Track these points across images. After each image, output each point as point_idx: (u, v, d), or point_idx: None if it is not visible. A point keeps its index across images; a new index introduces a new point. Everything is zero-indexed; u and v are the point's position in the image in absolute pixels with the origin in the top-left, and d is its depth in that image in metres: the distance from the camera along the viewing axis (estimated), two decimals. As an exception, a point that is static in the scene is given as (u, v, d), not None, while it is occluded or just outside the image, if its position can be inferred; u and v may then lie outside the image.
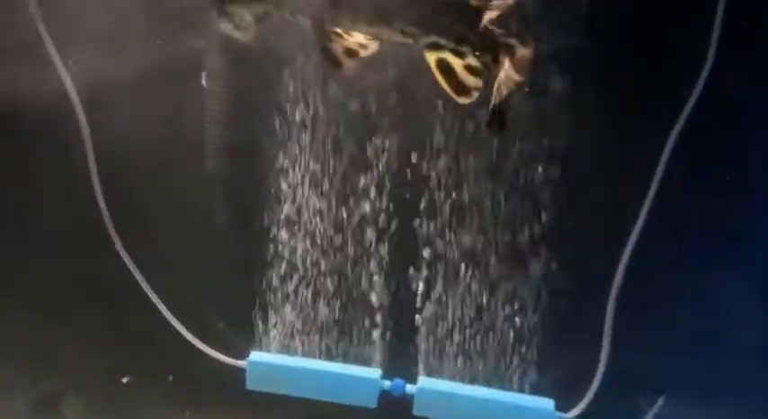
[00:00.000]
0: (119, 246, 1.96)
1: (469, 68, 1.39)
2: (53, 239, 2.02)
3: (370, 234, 1.97)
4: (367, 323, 2.04)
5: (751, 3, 1.68)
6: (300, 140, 1.92)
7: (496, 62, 1.38)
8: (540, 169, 1.81)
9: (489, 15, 1.35)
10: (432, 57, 1.40)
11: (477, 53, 1.38)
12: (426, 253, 1.96)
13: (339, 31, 1.41)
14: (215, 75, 1.92)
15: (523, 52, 1.37)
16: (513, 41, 1.37)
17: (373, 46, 1.44)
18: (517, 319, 1.96)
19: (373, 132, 1.87)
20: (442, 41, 1.37)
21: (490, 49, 1.38)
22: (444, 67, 1.40)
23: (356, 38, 1.43)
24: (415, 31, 1.37)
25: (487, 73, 1.39)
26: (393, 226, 1.95)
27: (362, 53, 1.43)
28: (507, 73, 1.38)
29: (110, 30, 1.86)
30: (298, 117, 1.90)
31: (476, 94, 1.42)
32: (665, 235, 1.82)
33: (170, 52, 1.89)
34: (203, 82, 1.92)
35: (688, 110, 1.73)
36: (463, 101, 1.41)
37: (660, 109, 1.76)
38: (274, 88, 1.89)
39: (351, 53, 1.42)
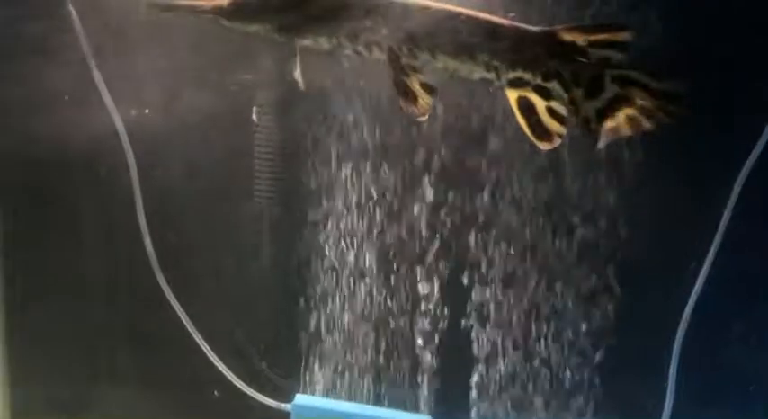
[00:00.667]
0: (164, 287, 1.93)
1: (552, 112, 1.27)
2: (100, 280, 2.01)
3: (420, 280, 1.92)
4: (416, 367, 1.98)
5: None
6: (352, 182, 1.90)
7: (592, 98, 1.25)
8: (604, 216, 1.77)
9: (601, 54, 1.23)
10: (513, 96, 1.30)
11: (567, 90, 1.25)
12: (478, 298, 1.90)
13: (416, 65, 1.29)
14: (266, 111, 1.91)
15: (657, 86, 1.22)
16: (644, 78, 1.23)
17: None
18: (575, 367, 1.89)
19: (427, 177, 1.84)
20: (527, 77, 1.27)
21: (585, 85, 1.25)
22: (526, 107, 1.29)
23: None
24: (499, 65, 1.27)
25: (574, 112, 1.26)
26: (444, 271, 1.90)
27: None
28: (631, 115, 1.24)
29: (160, 71, 1.86)
30: (350, 159, 1.88)
31: (558, 141, 1.29)
32: (730, 281, 1.75)
33: (221, 91, 1.88)
34: (254, 117, 1.91)
35: (755, 156, 1.67)
36: (544, 146, 1.29)
37: (727, 156, 1.70)
38: (327, 127, 1.87)
39: (428, 89, 1.31)
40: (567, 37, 1.23)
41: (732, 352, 1.81)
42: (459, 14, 1.26)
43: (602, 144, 1.27)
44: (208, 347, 1.97)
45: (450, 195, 1.85)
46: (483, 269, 1.87)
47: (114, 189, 1.94)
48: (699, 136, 1.65)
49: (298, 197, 1.93)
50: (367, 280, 1.96)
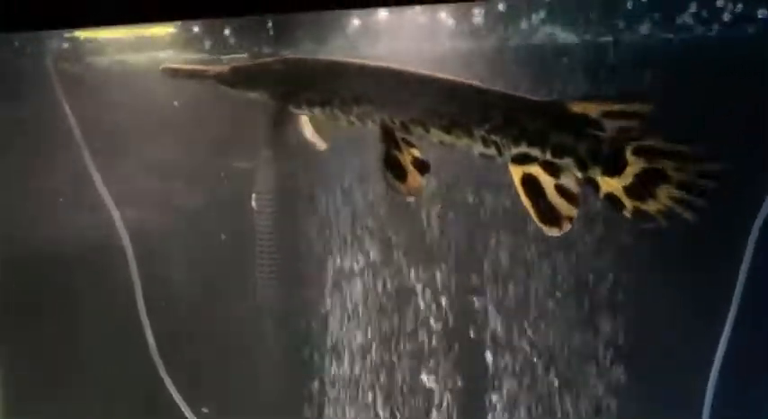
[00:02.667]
0: (165, 377, 1.88)
1: (562, 190, 1.12)
2: (101, 374, 1.95)
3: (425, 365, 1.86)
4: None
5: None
6: (356, 264, 1.86)
7: (614, 175, 1.09)
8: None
9: (620, 123, 1.08)
10: (517, 173, 1.14)
11: (583, 167, 1.10)
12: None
13: (411, 139, 1.19)
14: (264, 198, 1.90)
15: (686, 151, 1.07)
16: (670, 146, 1.07)
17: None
18: None
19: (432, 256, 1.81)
20: (534, 153, 1.12)
21: (604, 161, 1.09)
22: (532, 186, 1.13)
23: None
24: (498, 140, 1.13)
25: (595, 191, 1.10)
26: (454, 344, 1.84)
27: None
28: (671, 193, 1.07)
29: (156, 165, 1.87)
30: (350, 242, 1.86)
31: (567, 226, 1.12)
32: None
33: (218, 179, 1.88)
34: (253, 204, 1.89)
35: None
36: (552, 232, 1.13)
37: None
38: (327, 212, 1.85)
39: (420, 166, 1.20)
40: (578, 108, 1.10)
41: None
42: (451, 85, 1.17)
43: (649, 224, 1.10)
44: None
45: (457, 279, 1.81)
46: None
47: (114, 284, 1.91)
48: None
49: (298, 282, 1.89)
50: (371, 361, 1.89)
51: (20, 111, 1.89)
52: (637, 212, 1.09)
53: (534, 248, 1.75)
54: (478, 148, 1.16)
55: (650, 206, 1.08)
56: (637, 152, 1.08)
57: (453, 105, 1.16)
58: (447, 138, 1.16)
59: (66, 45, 1.80)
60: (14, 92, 1.86)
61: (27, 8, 1.39)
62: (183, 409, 1.89)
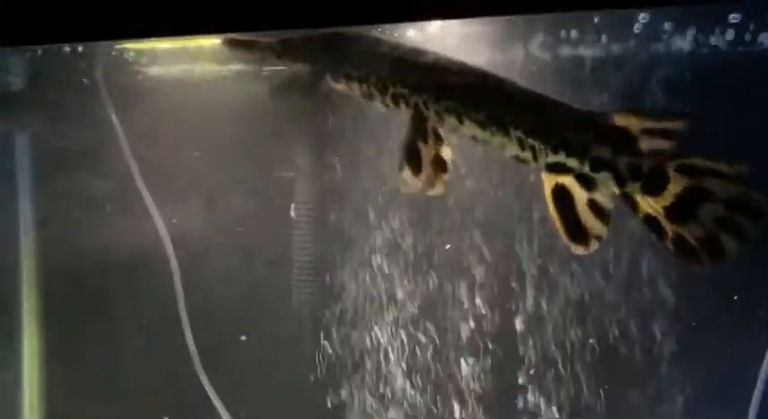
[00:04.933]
0: (207, 386, 1.89)
1: (594, 206, 1.05)
2: (142, 379, 1.97)
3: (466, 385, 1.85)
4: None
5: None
6: (391, 279, 1.87)
7: (654, 193, 1.02)
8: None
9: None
10: (549, 183, 1.07)
11: (621, 183, 1.03)
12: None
13: (441, 134, 1.14)
14: (304, 207, 1.91)
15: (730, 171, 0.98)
16: (712, 164, 0.98)
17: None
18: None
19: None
20: (572, 164, 1.05)
21: (645, 179, 1.02)
22: (562, 198, 1.06)
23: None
24: (536, 145, 1.07)
25: (632, 209, 1.03)
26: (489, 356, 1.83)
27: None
28: (720, 214, 0.98)
29: (201, 174, 1.90)
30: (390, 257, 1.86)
31: (595, 246, 1.05)
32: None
33: (259, 190, 1.90)
34: (292, 214, 1.91)
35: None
36: (578, 250, 1.05)
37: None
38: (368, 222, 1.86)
39: (440, 165, 1.15)
40: (621, 122, 1.03)
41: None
42: (495, 80, 1.11)
43: (695, 263, 1.00)
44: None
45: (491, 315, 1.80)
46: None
47: (158, 295, 1.94)
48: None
49: (335, 291, 1.90)
50: (411, 388, 1.88)
51: (70, 121, 1.94)
52: (678, 238, 1.01)
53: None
54: (513, 150, 1.09)
55: (692, 229, 1.00)
56: (679, 169, 1.01)
57: (493, 100, 1.10)
58: (481, 134, 1.10)
59: (114, 55, 1.84)
60: (65, 103, 1.91)
61: (75, 19, 1.42)
62: (223, 416, 1.90)
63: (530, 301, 1.79)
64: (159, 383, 1.96)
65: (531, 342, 1.80)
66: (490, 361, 1.83)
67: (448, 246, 1.80)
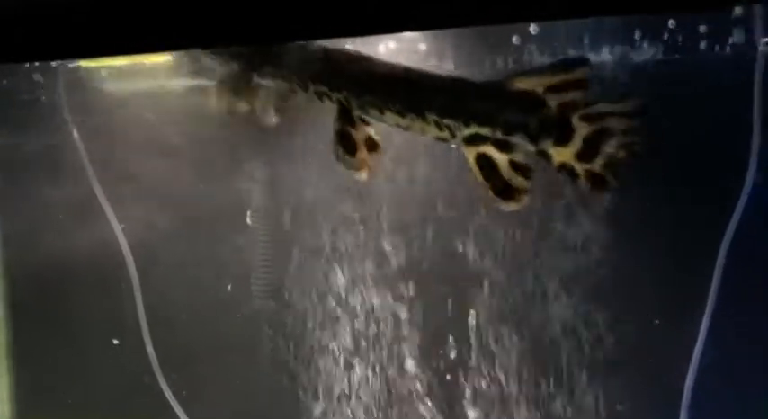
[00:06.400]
0: (167, 391, 1.95)
1: (516, 165, 1.15)
2: (101, 383, 2.01)
3: (420, 377, 1.93)
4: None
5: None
6: (353, 282, 1.94)
7: (563, 144, 1.12)
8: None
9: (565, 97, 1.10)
10: (472, 154, 1.17)
11: (535, 140, 1.13)
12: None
13: (367, 119, 1.23)
14: (260, 215, 1.99)
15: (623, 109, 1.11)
16: (611, 107, 1.11)
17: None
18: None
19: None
20: (485, 132, 1.14)
21: (555, 133, 1.12)
22: (486, 165, 1.16)
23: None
24: (451, 123, 1.16)
25: (549, 162, 1.14)
26: (443, 349, 1.91)
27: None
28: (613, 144, 1.10)
29: (158, 180, 1.96)
30: (348, 259, 1.94)
31: (524, 200, 1.16)
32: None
33: (215, 196, 1.97)
34: (248, 221, 1.98)
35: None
36: (509, 207, 1.16)
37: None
38: (321, 225, 1.94)
39: (372, 146, 1.24)
40: (522, 85, 1.13)
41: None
42: (401, 70, 1.20)
43: (605, 191, 1.14)
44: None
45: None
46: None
47: (117, 300, 1.99)
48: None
49: (295, 295, 1.97)
50: (369, 374, 1.95)
51: (29, 135, 1.99)
52: (589, 175, 1.13)
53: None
54: (432, 132, 1.19)
55: (599, 163, 1.12)
56: (582, 118, 1.11)
57: (405, 90, 1.19)
58: (402, 122, 1.20)
59: (73, 74, 1.90)
60: (24, 118, 1.96)
61: (35, 38, 1.47)
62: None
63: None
64: (120, 387, 2.01)
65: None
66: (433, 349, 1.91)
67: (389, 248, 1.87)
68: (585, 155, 1.12)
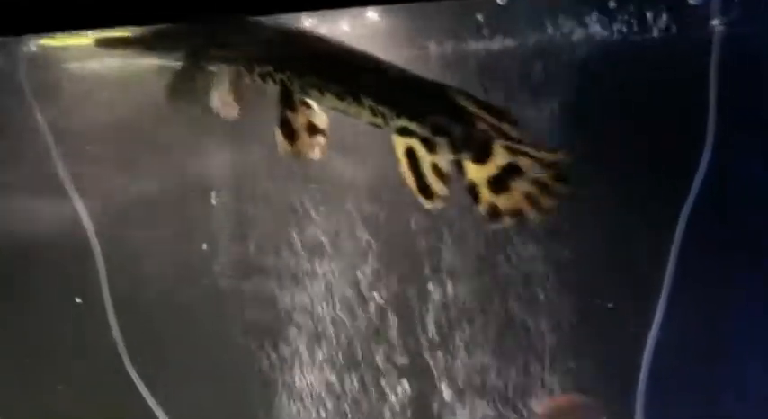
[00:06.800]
0: (133, 374, 1.96)
1: (436, 169, 1.18)
2: (66, 365, 2.02)
3: (383, 351, 1.95)
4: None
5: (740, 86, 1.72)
6: (312, 257, 1.96)
7: (480, 162, 1.15)
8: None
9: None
10: (400, 145, 1.20)
11: (455, 150, 1.16)
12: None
13: (308, 102, 1.25)
14: (223, 195, 1.99)
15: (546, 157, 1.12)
16: (533, 151, 1.13)
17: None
18: None
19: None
20: (414, 127, 1.18)
21: (474, 149, 1.15)
22: (412, 159, 1.19)
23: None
24: (385, 111, 1.19)
25: (461, 175, 1.17)
26: (400, 334, 1.93)
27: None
28: (527, 191, 1.12)
29: (122, 160, 1.96)
30: (306, 235, 1.95)
31: (440, 203, 1.18)
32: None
33: (180, 175, 1.97)
34: (213, 201, 1.99)
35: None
36: (427, 204, 1.18)
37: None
38: (282, 205, 1.95)
39: (313, 130, 1.27)
40: (460, 100, 1.17)
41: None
42: (347, 54, 1.23)
43: (497, 224, 1.16)
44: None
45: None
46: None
47: (81, 279, 1.99)
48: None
49: (259, 275, 1.98)
50: (332, 351, 1.98)
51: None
52: (491, 206, 1.15)
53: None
54: (367, 117, 1.22)
55: (503, 201, 1.14)
56: (505, 148, 1.14)
57: (346, 73, 1.22)
58: (340, 105, 1.22)
59: (34, 50, 1.89)
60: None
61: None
62: (148, 401, 1.96)
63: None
64: (87, 374, 2.01)
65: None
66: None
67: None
68: (496, 184, 1.15)
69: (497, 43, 1.76)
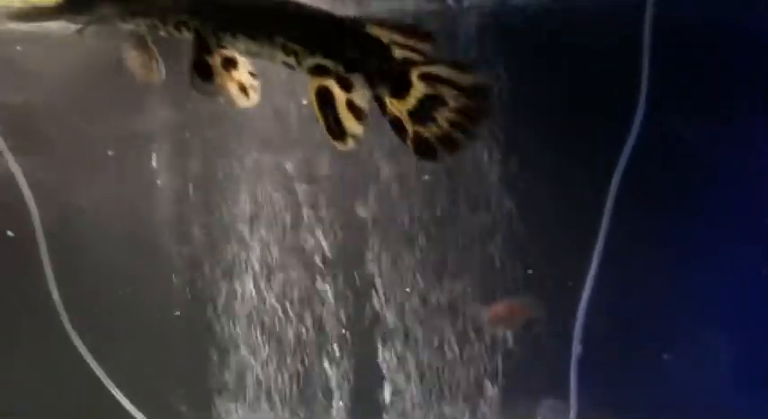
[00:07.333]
0: (74, 337, 1.94)
1: (352, 106, 1.16)
2: (6, 332, 1.99)
3: (329, 308, 1.98)
4: (329, 397, 2.01)
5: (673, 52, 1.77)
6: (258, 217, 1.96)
7: (399, 97, 1.14)
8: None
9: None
10: (313, 85, 1.17)
11: (372, 85, 1.14)
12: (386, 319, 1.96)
13: (224, 44, 1.22)
14: (165, 156, 1.97)
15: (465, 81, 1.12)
16: (452, 74, 1.12)
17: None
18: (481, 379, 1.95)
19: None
20: (328, 64, 1.16)
21: (391, 82, 1.13)
22: (325, 99, 1.16)
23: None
24: (298, 49, 1.17)
25: (381, 110, 1.14)
26: (349, 293, 1.97)
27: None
28: (450, 118, 1.11)
29: (57, 116, 1.91)
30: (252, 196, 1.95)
31: (352, 143, 1.15)
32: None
33: (118, 136, 1.94)
34: (153, 163, 1.96)
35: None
36: (340, 146, 1.15)
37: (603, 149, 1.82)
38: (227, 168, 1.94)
39: (228, 65, 1.23)
40: (374, 31, 1.14)
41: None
42: None
43: (427, 157, 1.13)
44: (123, 395, 1.96)
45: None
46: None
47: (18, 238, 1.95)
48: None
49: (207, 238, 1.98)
50: (278, 313, 2.00)
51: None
52: (417, 137, 1.14)
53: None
54: (280, 57, 1.19)
55: (430, 130, 1.13)
56: (421, 77, 1.13)
57: (257, 13, 1.21)
58: (253, 47, 1.20)
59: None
60: None
61: None
62: (88, 360, 1.95)
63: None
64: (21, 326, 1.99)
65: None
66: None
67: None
68: (418, 116, 1.14)
69: (425, 4, 1.77)
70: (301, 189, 1.94)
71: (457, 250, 1.92)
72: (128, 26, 1.28)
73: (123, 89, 1.77)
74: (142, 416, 1.97)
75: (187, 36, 1.24)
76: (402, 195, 1.91)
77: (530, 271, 1.87)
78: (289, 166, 1.93)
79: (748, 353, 1.86)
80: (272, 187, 1.94)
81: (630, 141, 1.79)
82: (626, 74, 1.77)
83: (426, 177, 1.89)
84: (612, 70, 1.77)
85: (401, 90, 1.14)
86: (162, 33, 1.26)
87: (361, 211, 1.93)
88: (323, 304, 1.97)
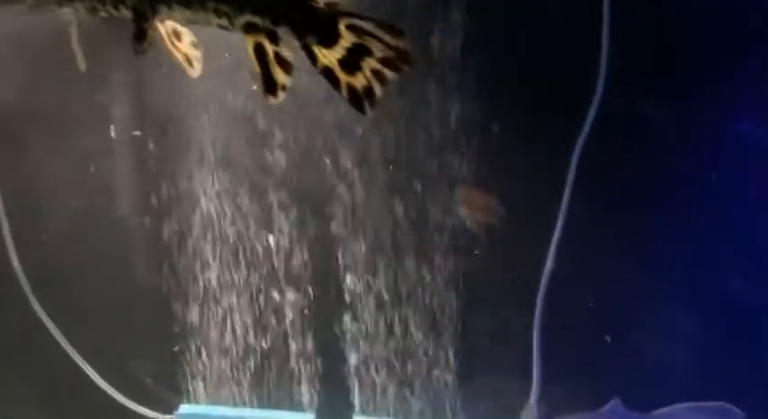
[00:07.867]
0: (35, 304, 1.95)
1: (280, 59, 1.19)
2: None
3: (294, 273, 1.98)
4: (296, 368, 2.02)
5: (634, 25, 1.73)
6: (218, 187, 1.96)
7: (328, 46, 1.17)
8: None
9: None
10: (250, 43, 1.20)
11: (300, 36, 1.17)
12: (350, 293, 1.96)
13: (161, 17, 1.24)
14: (124, 126, 1.96)
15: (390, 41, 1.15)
16: (378, 32, 1.15)
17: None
18: (446, 352, 1.95)
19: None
20: (258, 21, 1.18)
21: (321, 31, 1.16)
22: (261, 55, 1.19)
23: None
24: (228, 10, 1.19)
25: (312, 60, 1.17)
26: (312, 264, 1.97)
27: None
28: (375, 68, 1.15)
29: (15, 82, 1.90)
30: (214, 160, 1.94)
31: (282, 95, 1.19)
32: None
33: (77, 106, 1.93)
34: (112, 134, 1.96)
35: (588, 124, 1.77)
36: (271, 101, 1.19)
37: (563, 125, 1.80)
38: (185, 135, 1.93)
39: (173, 35, 1.27)
40: None
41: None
42: None
43: (360, 107, 1.17)
44: (87, 363, 1.99)
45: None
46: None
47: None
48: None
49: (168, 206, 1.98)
50: (246, 288, 2.00)
51: None
52: (348, 88, 1.17)
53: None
54: (214, 21, 1.21)
55: (357, 79, 1.16)
56: (348, 27, 1.16)
57: None
58: (189, 15, 1.22)
59: None
60: None
61: None
62: (57, 338, 1.97)
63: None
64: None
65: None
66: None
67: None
68: (348, 65, 1.16)
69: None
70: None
71: (418, 221, 1.92)
72: (66, 10, 1.28)
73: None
74: (106, 385, 2.00)
75: (126, 14, 1.25)
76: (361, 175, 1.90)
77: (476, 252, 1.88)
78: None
79: (713, 337, 1.87)
80: (241, 172, 1.93)
81: (591, 115, 1.77)
82: (586, 47, 1.74)
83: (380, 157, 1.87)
84: (571, 43, 1.74)
85: (330, 40, 1.16)
86: (102, 14, 1.26)
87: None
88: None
